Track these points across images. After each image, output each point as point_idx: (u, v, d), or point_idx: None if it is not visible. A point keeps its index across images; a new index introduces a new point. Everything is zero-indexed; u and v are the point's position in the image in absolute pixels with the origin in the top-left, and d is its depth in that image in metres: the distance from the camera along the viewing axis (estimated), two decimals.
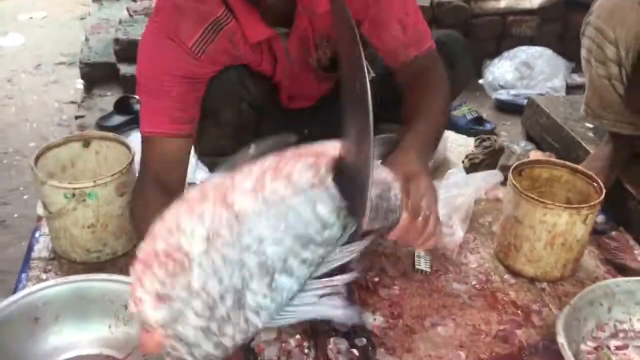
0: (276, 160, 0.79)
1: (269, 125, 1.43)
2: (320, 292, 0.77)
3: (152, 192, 1.19)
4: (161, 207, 1.12)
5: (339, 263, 0.80)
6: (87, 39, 2.96)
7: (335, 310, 0.78)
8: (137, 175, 1.31)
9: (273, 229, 0.74)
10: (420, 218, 1.02)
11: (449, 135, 2.10)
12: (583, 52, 1.65)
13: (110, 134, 1.57)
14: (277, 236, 0.74)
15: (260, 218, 0.73)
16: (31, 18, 4.07)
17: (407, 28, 1.27)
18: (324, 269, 0.78)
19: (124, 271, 1.40)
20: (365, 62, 0.74)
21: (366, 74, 0.75)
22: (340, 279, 0.80)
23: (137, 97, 2.26)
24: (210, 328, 0.71)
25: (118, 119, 2.25)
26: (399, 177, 1.02)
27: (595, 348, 1.26)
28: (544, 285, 1.45)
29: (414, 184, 1.04)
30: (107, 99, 2.58)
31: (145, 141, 1.25)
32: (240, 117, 1.35)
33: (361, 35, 1.22)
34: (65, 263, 1.46)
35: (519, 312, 1.38)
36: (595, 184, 1.46)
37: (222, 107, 1.32)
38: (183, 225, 0.73)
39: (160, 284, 0.71)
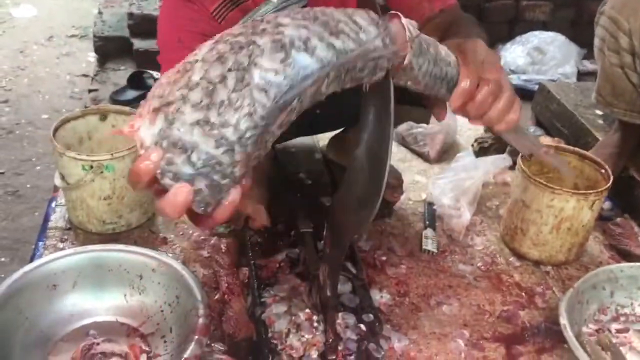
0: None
1: None
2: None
3: None
4: None
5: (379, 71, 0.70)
6: (100, 13, 2.96)
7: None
8: None
9: (295, 18, 0.63)
10: (485, 85, 0.87)
11: (459, 119, 2.12)
12: (596, 41, 1.65)
13: (127, 108, 1.59)
14: (301, 22, 0.63)
15: (284, 15, 0.63)
16: None
17: None
18: (354, 63, 0.66)
19: (138, 243, 1.44)
20: None
21: None
22: None
23: (150, 72, 2.30)
24: (209, 118, 0.58)
25: (131, 94, 2.28)
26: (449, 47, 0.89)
27: (597, 330, 1.29)
28: (549, 268, 1.48)
29: (469, 46, 0.90)
30: (120, 73, 2.60)
31: None
32: None
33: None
34: (81, 233, 1.50)
35: (523, 294, 1.41)
36: (603, 171, 1.48)
37: None
38: (192, 55, 0.63)
39: (159, 97, 0.60)
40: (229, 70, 0.59)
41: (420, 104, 1.66)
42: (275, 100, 0.60)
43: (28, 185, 2.25)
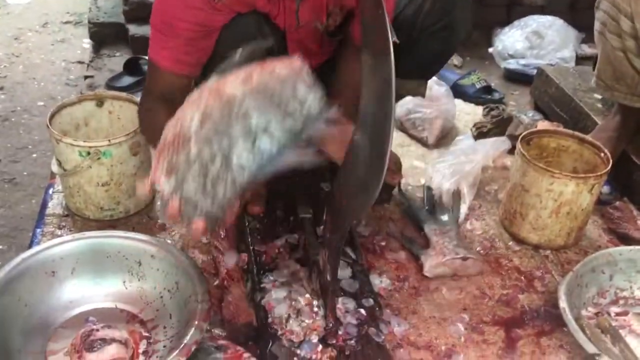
0: (260, 64, 0.92)
1: None
2: (296, 156, 0.90)
3: (157, 105, 1.28)
4: (166, 116, 1.19)
5: (315, 132, 0.92)
6: None
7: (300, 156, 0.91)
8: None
9: (258, 105, 0.86)
10: None
11: (458, 104, 2.11)
12: (597, 25, 1.64)
13: (124, 94, 1.58)
14: (261, 109, 0.86)
15: (247, 98, 0.86)
16: None
17: None
18: (302, 137, 0.90)
19: (137, 229, 1.43)
20: (389, 24, 0.75)
21: (389, 35, 0.76)
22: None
23: (146, 58, 2.28)
24: (206, 187, 0.87)
25: (127, 80, 2.26)
26: None
27: (596, 314, 1.29)
28: (548, 252, 1.48)
29: None
30: (115, 60, 2.58)
31: (150, 65, 1.31)
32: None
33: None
34: (78, 220, 1.49)
35: (522, 277, 1.41)
36: (602, 155, 1.47)
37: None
38: (185, 114, 0.89)
39: (169, 161, 0.88)
40: (215, 154, 0.86)
41: (413, 76, 1.65)
42: (250, 175, 0.88)
43: (25, 173, 2.24)
